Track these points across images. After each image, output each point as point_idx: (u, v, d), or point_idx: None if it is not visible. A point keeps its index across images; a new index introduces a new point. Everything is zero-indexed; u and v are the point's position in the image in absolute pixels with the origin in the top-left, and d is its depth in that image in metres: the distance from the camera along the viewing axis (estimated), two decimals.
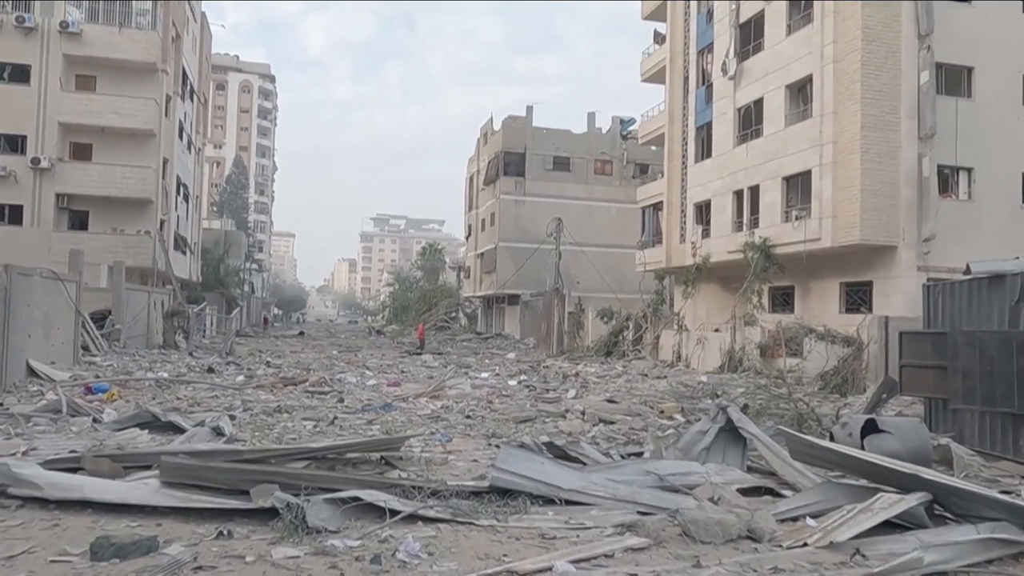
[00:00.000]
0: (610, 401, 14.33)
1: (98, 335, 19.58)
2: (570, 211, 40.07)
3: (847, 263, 21.65)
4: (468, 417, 12.50)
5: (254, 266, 75.77)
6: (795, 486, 7.42)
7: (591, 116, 48.63)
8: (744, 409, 11.21)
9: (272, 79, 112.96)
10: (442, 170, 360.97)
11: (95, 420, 10.01)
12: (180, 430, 9.15)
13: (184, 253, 39.17)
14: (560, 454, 8.75)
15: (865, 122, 20.16)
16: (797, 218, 22.41)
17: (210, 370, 18.54)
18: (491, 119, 50.53)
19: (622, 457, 8.99)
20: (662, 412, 13.59)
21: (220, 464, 5.88)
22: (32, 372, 14.13)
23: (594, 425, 11.78)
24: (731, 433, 9.10)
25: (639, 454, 9.01)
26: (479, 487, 6.39)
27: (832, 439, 9.39)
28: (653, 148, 49.49)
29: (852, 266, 21.59)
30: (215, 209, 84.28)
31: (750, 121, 25.01)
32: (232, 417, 10.99)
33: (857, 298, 21.72)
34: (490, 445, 9.91)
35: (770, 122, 23.80)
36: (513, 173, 46.82)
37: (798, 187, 22.77)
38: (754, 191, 24.54)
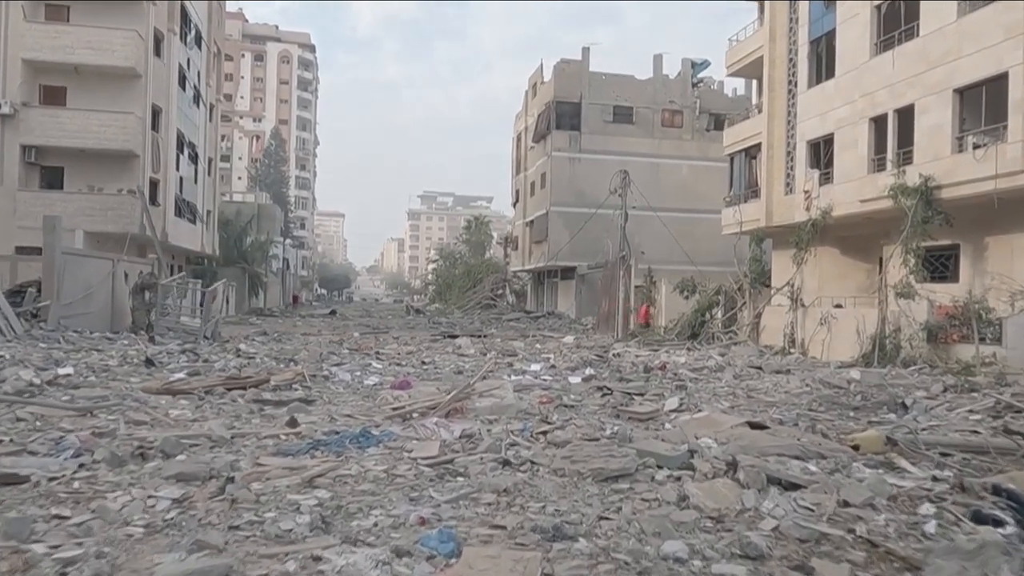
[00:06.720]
0: (753, 426, 8.25)
1: (10, 313, 14.39)
2: (634, 169, 33.17)
3: None
4: (506, 463, 6.67)
5: (290, 242, 71.28)
6: None
7: (657, 59, 41.57)
8: None
9: (312, 48, 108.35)
10: (491, 147, 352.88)
11: None
12: None
13: (193, 222, 34.30)
14: None
15: None
16: (976, 146, 15.74)
17: (149, 362, 13.20)
18: (541, 66, 43.92)
19: None
20: (857, 449, 7.52)
21: None
22: None
23: (759, 491, 5.79)
24: None
25: None
26: None
27: None
28: (730, 96, 42.57)
29: None
30: (252, 184, 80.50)
31: (896, 19, 18.25)
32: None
33: None
34: None
35: (931, 15, 17.04)
36: (567, 127, 40.31)
37: (979, 101, 16.03)
38: (904, 114, 17.86)
